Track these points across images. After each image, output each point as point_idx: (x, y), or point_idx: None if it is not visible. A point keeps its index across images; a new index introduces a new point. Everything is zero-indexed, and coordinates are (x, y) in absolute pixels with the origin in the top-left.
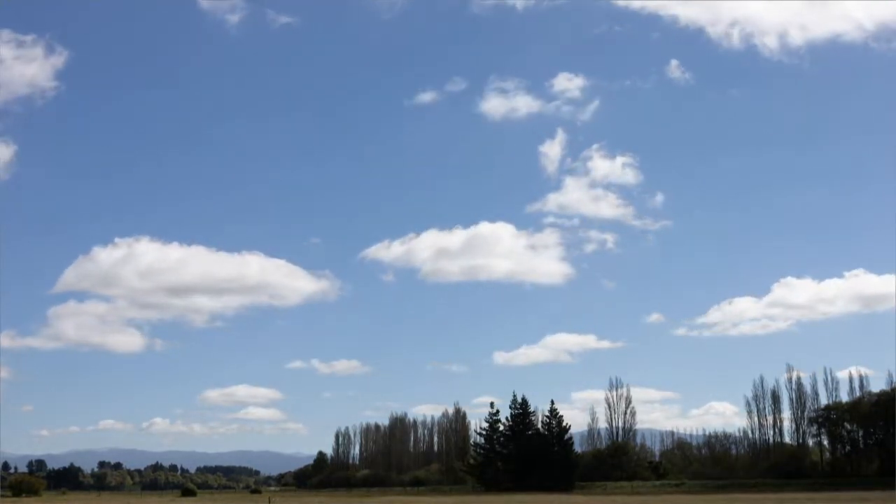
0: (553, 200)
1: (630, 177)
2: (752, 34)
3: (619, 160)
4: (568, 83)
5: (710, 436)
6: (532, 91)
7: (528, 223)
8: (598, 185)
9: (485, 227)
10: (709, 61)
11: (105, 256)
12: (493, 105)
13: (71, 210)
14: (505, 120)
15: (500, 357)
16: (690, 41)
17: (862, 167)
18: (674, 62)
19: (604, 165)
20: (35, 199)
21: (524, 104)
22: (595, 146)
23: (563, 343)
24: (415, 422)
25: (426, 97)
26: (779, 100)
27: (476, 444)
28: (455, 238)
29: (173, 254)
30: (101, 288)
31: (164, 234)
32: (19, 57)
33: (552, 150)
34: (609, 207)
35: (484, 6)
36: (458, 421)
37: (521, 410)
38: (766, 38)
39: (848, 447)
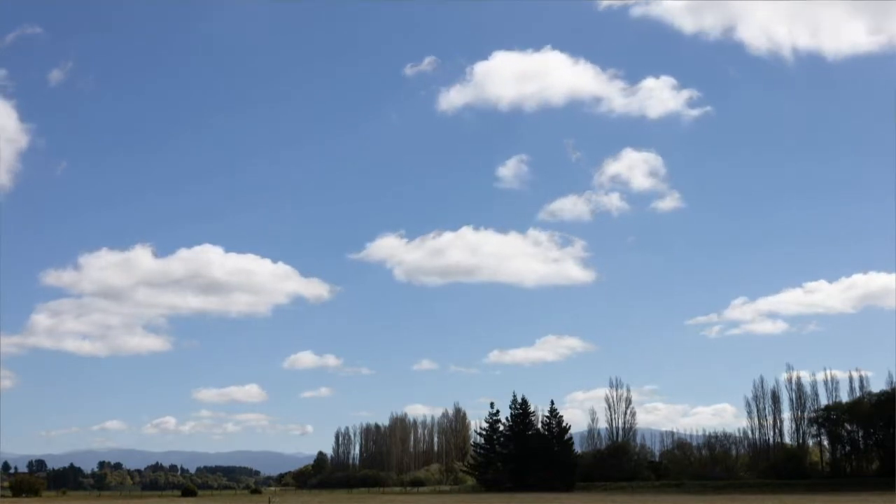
0: (556, 200)
1: (638, 178)
2: (769, 39)
3: (627, 160)
4: (587, 79)
5: (710, 436)
6: (539, 84)
7: (529, 223)
8: (603, 186)
9: (486, 227)
10: (728, 65)
11: (106, 256)
12: (497, 95)
13: (71, 208)
14: (507, 116)
15: (499, 357)
16: (712, 44)
17: (864, 170)
18: (691, 64)
19: (611, 166)
20: (36, 197)
21: (527, 97)
22: (602, 146)
23: (563, 343)
24: (415, 422)
25: (431, 82)
26: (791, 105)
27: (476, 444)
28: (455, 237)
29: (173, 254)
30: (101, 287)
31: (164, 233)
32: None
33: (560, 149)
34: (614, 208)
35: None
36: (458, 421)
37: (521, 410)
38: (783, 44)
39: (848, 447)
